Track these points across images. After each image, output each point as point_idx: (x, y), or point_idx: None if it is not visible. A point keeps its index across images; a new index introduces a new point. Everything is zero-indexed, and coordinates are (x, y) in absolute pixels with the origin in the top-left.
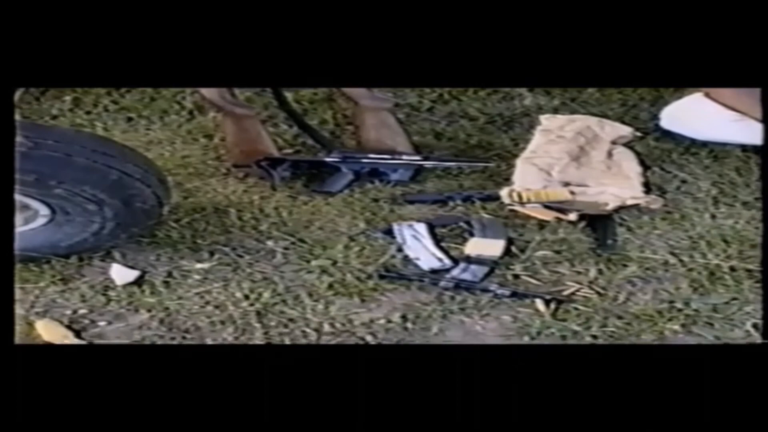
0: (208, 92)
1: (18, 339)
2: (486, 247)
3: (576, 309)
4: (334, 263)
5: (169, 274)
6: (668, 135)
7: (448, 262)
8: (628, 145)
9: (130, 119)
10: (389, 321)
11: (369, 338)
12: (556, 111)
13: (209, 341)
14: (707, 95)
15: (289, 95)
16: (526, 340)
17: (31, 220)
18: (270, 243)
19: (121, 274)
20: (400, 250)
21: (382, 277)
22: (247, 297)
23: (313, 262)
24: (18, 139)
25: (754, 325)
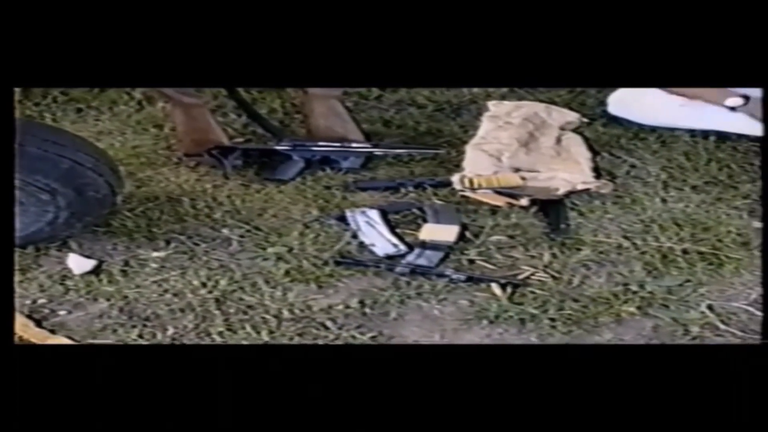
0: None
1: None
2: (440, 232)
3: (532, 293)
4: (290, 250)
5: (126, 263)
6: (616, 121)
7: (403, 247)
8: (577, 130)
9: (79, 110)
10: (348, 307)
11: (329, 324)
12: (503, 98)
13: (170, 329)
14: None
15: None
16: (484, 323)
17: None
18: (225, 231)
19: (78, 263)
20: (354, 236)
21: (338, 263)
22: (204, 285)
23: (269, 250)
24: None
25: (709, 307)
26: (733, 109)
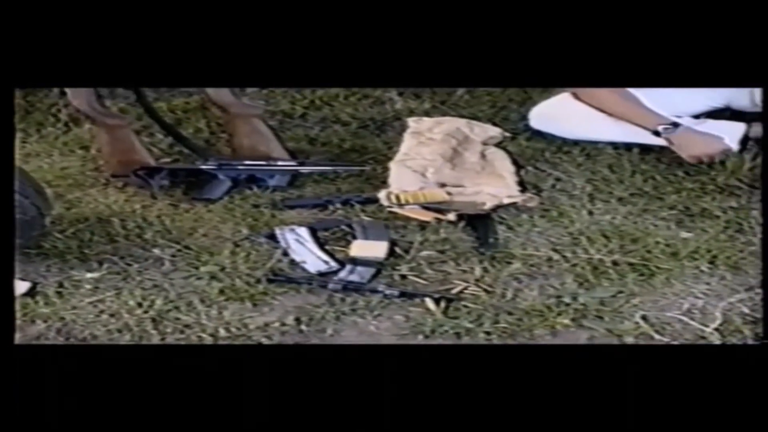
0: (79, 103)
1: None
2: (370, 248)
3: (466, 307)
4: (223, 269)
5: (61, 285)
6: (539, 135)
7: (334, 264)
8: (500, 145)
9: None
10: (284, 324)
11: (266, 341)
12: (427, 114)
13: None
14: (574, 95)
15: (162, 104)
16: (420, 338)
17: None
18: (156, 251)
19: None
20: (285, 254)
21: (270, 281)
22: (140, 305)
23: (202, 269)
24: None
25: (643, 317)
26: (657, 133)
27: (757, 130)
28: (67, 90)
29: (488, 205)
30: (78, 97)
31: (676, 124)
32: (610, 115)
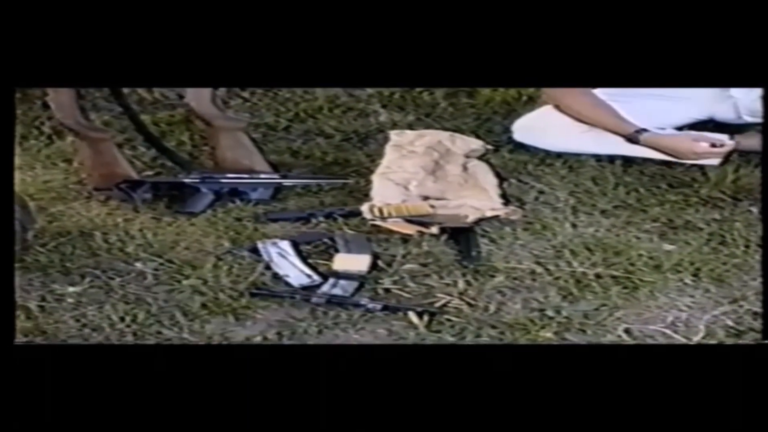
0: (62, 116)
1: None
2: (352, 262)
3: (449, 320)
4: (205, 282)
5: (43, 299)
6: (522, 147)
7: (317, 278)
8: (482, 158)
9: None
10: (266, 338)
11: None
12: (410, 126)
13: None
14: (557, 107)
15: (146, 117)
16: None
17: None
18: (139, 264)
19: None
20: (268, 267)
21: (253, 295)
22: (122, 319)
23: (184, 282)
24: None
25: (626, 330)
26: (630, 140)
27: (749, 143)
28: (51, 103)
29: (471, 218)
30: (61, 110)
31: (646, 130)
32: (585, 122)
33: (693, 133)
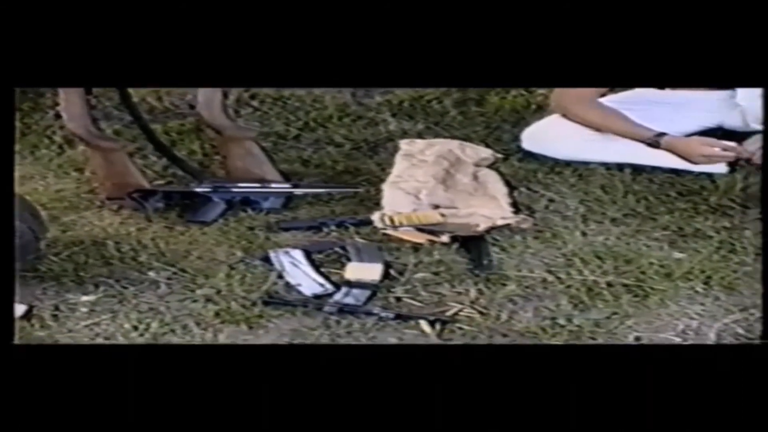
0: (74, 126)
1: None
2: (364, 271)
3: (461, 329)
4: (218, 292)
5: (57, 308)
6: (531, 156)
7: (329, 287)
8: (492, 166)
9: None
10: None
11: None
12: (420, 135)
13: None
14: (564, 116)
15: (157, 127)
16: None
17: None
18: (152, 274)
19: None
20: (280, 276)
21: (266, 303)
22: (135, 328)
23: (198, 291)
24: None
25: (637, 339)
26: (650, 144)
27: (755, 148)
28: (62, 112)
29: (482, 227)
30: (73, 120)
31: (665, 134)
32: (601, 131)
33: (704, 138)
